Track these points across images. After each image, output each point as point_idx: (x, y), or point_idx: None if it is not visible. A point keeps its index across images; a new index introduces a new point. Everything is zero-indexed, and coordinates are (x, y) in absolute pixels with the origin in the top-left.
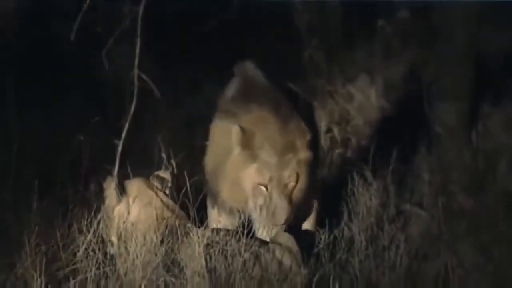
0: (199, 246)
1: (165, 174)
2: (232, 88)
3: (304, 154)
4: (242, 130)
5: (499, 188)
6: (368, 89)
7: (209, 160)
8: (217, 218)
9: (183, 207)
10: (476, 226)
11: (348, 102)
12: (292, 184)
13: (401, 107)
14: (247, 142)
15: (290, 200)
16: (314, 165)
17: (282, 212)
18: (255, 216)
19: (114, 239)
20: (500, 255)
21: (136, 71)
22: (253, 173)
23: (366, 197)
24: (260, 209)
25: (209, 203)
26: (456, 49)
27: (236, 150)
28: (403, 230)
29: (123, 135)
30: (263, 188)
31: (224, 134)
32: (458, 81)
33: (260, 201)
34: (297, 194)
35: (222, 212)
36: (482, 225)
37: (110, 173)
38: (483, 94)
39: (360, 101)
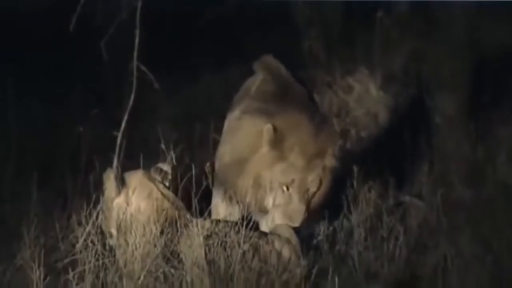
0: (199, 238)
1: (165, 166)
2: (257, 83)
3: (331, 161)
4: (274, 129)
5: (498, 179)
6: (367, 80)
7: (226, 153)
8: (224, 212)
9: (182, 198)
10: (475, 217)
11: (347, 94)
12: (313, 189)
13: (401, 98)
14: (277, 142)
15: (309, 204)
16: None
17: (300, 215)
18: (271, 214)
19: (113, 230)
20: (499, 246)
21: (135, 62)
22: (277, 173)
23: (365, 188)
24: (277, 208)
25: (217, 195)
26: (456, 40)
27: (265, 149)
28: (402, 221)
29: (123, 126)
30: (284, 188)
31: (251, 130)
32: (458, 72)
33: (278, 200)
34: (316, 199)
35: (230, 206)
36: (481, 216)
37: (109, 164)
38: (482, 85)
39: (359, 93)
